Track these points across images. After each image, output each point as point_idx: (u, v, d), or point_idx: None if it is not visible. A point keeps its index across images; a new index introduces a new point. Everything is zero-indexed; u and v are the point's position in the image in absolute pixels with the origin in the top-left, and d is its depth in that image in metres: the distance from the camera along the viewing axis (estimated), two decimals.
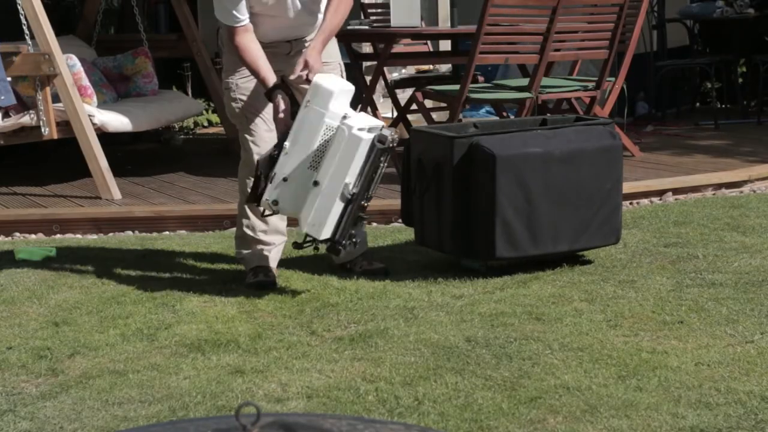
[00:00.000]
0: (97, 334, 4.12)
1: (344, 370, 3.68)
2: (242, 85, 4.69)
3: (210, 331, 4.11)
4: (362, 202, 4.33)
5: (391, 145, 4.34)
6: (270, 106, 4.52)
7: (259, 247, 4.74)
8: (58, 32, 6.71)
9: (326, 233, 4.28)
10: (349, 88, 4.45)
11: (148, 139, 8.65)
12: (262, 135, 4.66)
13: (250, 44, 4.55)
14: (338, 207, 4.27)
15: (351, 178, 4.26)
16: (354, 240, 4.36)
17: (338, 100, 4.34)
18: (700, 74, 9.92)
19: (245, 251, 4.78)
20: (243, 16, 4.54)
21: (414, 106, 7.38)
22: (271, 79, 4.48)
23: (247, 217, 4.74)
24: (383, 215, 5.89)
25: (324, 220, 4.27)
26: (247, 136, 4.68)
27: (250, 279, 4.69)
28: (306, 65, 4.48)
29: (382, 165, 4.35)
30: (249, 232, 4.75)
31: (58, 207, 6.29)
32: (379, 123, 4.44)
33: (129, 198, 6.46)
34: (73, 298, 4.59)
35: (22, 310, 4.46)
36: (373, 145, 4.25)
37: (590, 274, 4.71)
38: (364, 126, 4.30)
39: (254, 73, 4.54)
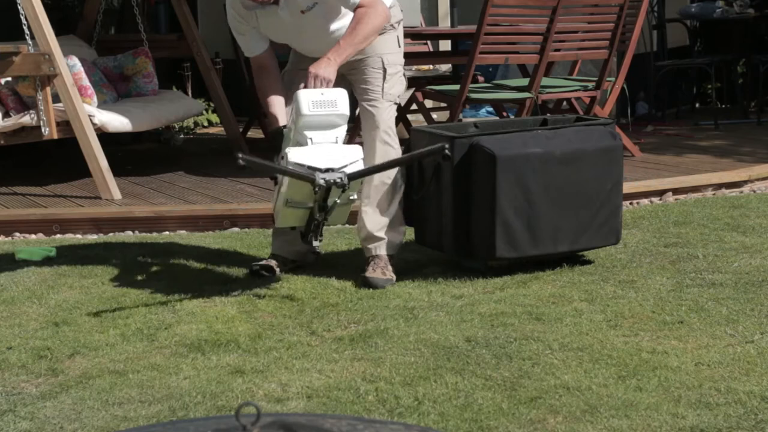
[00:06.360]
0: (97, 334, 4.12)
1: (344, 370, 3.67)
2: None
3: (210, 331, 4.11)
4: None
5: (329, 183, 4.12)
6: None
7: (281, 239, 4.87)
8: (58, 32, 6.70)
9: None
10: (336, 111, 4.23)
11: (148, 139, 8.65)
12: None
13: (261, 82, 4.65)
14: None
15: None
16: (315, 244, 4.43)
17: (309, 120, 4.22)
18: (699, 74, 9.92)
19: (273, 236, 4.95)
20: (252, 48, 4.63)
21: (414, 106, 7.38)
22: (275, 121, 4.55)
23: (275, 212, 4.62)
24: None
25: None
26: None
27: (255, 265, 4.82)
28: (309, 74, 4.35)
29: (334, 200, 4.24)
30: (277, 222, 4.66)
31: (58, 207, 6.28)
32: (342, 161, 4.19)
33: (129, 198, 6.46)
34: (73, 298, 4.59)
35: (22, 310, 4.46)
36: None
37: (590, 274, 4.71)
38: (308, 162, 4.16)
39: (265, 109, 4.64)
